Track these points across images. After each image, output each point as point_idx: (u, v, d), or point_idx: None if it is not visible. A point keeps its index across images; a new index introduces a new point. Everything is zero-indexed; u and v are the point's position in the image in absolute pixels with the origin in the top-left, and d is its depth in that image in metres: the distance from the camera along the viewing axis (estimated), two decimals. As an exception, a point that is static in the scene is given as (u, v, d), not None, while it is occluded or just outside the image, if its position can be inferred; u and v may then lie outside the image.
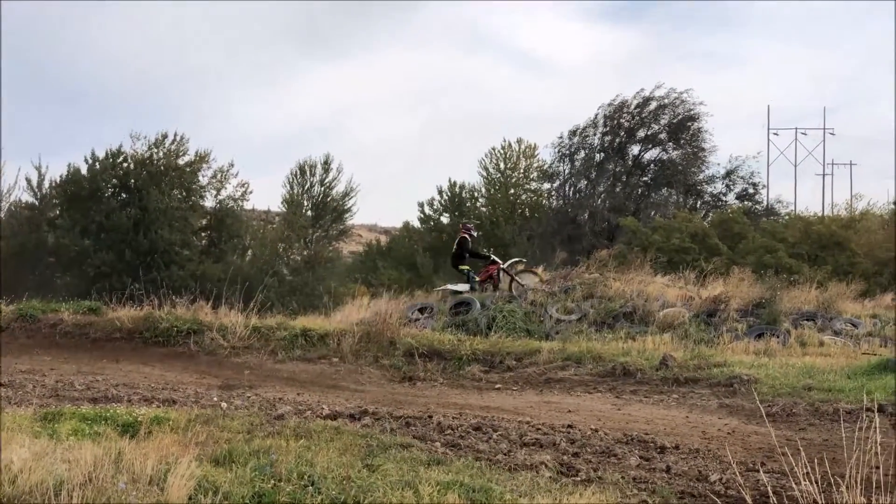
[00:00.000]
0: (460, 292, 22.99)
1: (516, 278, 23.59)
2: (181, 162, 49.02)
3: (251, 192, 50.70)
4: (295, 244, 52.41)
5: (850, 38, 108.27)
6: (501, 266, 23.83)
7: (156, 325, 19.16)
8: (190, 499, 6.45)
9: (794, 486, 6.67)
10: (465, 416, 11.55)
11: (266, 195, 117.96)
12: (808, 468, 6.48)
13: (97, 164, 47.40)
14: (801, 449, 7.50)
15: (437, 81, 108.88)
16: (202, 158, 49.48)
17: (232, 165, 50.16)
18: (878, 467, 6.74)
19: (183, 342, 18.70)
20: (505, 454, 9.23)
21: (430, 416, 11.22)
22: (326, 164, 54.69)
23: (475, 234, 24.99)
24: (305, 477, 7.06)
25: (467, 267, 23.77)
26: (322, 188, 54.70)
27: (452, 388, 15.21)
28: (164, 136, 48.91)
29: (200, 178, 49.65)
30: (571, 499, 7.17)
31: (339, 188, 54.85)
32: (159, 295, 20.45)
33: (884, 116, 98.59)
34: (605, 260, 25.51)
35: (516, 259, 25.95)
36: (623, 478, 8.38)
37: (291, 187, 54.68)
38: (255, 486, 6.81)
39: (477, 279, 23.53)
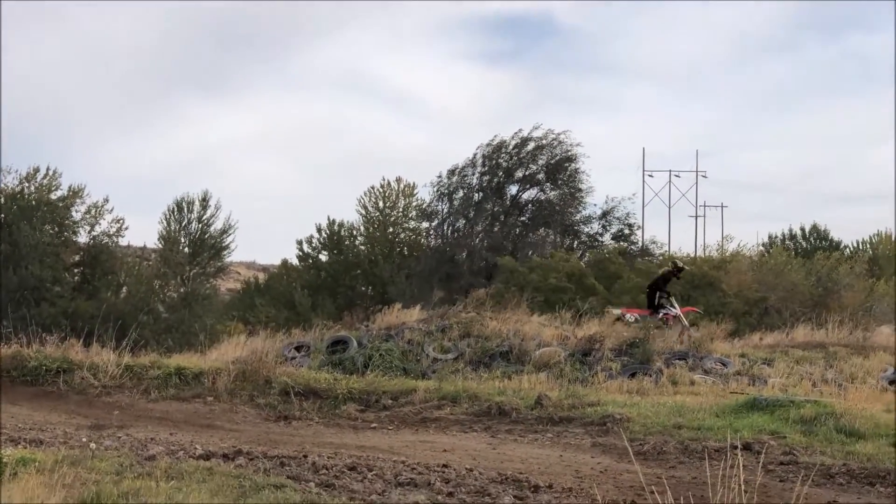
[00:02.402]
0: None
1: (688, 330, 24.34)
2: (54, 197, 47.92)
3: (127, 229, 49.67)
4: (171, 281, 51.48)
5: (723, 85, 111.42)
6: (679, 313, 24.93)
7: (24, 364, 18.65)
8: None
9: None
10: (340, 455, 11.49)
11: (142, 232, 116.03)
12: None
13: (-36, 198, 46.15)
14: (670, 487, 7.65)
15: (317, 121, 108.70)
16: (76, 193, 48.40)
17: (107, 201, 49.09)
18: (742, 504, 6.92)
19: (52, 381, 18.23)
20: (379, 494, 9.21)
21: (305, 456, 11.15)
22: (204, 201, 53.79)
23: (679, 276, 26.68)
24: (175, 519, 6.96)
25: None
26: (200, 225, 53.82)
27: (328, 428, 15.12)
28: (36, 171, 47.73)
29: (74, 213, 48.55)
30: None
31: (218, 225, 54.02)
32: (28, 333, 19.96)
33: (754, 161, 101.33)
34: (482, 299, 25.67)
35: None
36: (496, 517, 8.43)
37: (168, 224, 53.66)
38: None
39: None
